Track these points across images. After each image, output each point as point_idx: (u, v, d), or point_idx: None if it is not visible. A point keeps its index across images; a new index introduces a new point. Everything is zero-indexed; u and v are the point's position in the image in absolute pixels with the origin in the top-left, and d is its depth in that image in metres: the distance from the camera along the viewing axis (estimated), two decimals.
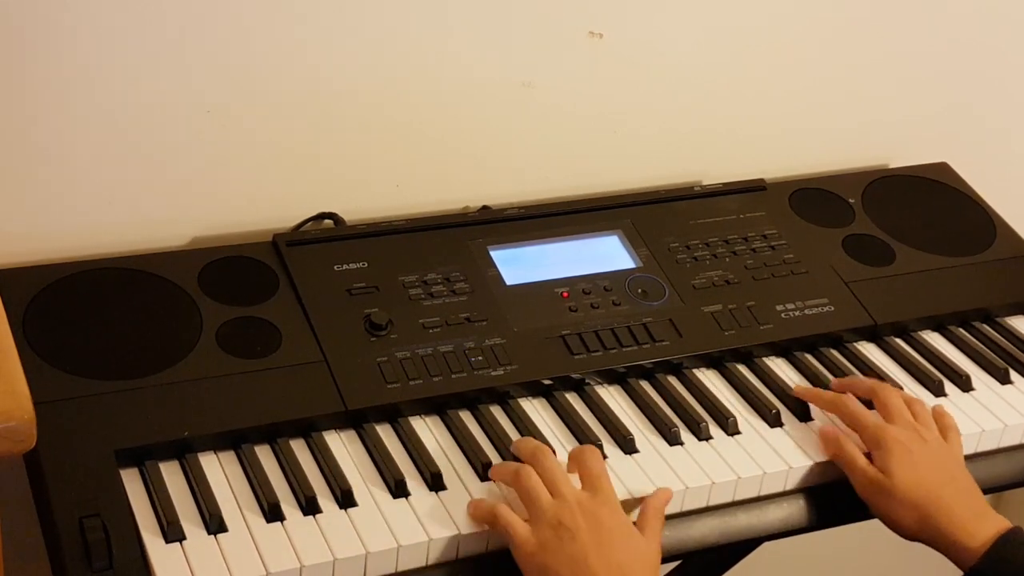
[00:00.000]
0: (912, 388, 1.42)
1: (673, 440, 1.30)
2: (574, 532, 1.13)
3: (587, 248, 1.50)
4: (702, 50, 1.63)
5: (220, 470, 1.21)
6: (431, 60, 1.49)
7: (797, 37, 1.68)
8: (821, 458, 1.30)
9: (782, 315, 1.46)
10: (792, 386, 1.39)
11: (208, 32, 1.37)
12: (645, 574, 1.14)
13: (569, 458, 1.23)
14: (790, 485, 1.29)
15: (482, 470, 1.23)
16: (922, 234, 1.62)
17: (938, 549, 1.25)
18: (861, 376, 1.41)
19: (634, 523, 1.18)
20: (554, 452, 1.25)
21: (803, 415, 1.36)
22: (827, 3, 1.68)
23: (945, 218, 1.68)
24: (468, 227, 1.48)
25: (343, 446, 1.26)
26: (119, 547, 1.09)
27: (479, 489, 1.22)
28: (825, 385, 1.40)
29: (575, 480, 1.20)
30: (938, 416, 1.34)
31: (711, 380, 1.40)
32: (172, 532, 1.12)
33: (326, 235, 1.44)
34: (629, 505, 1.22)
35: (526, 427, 1.29)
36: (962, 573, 1.23)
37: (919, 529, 1.25)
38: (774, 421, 1.34)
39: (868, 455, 1.28)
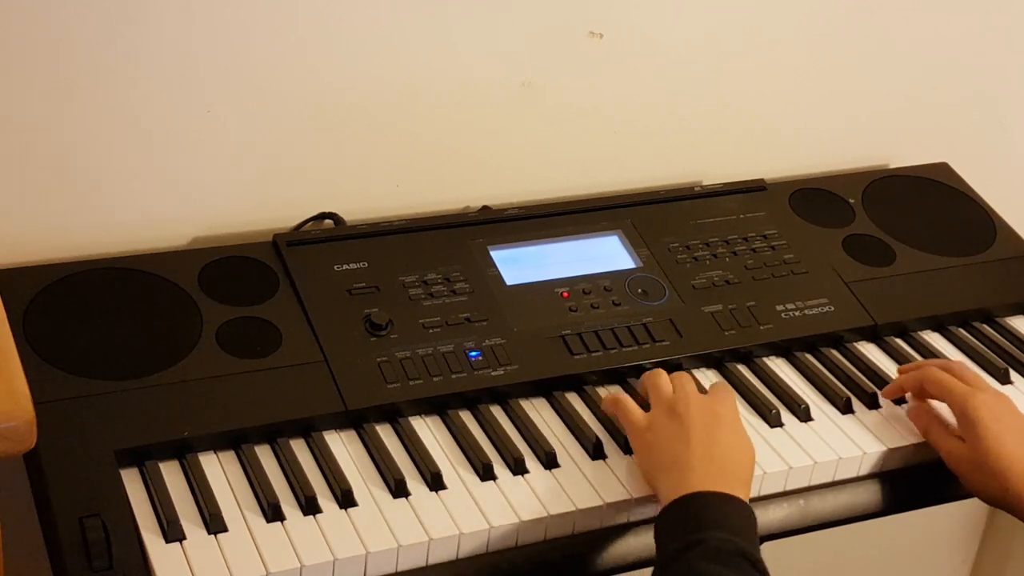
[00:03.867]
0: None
1: None
2: (684, 417, 1.21)
3: (587, 248, 1.50)
4: (702, 50, 1.63)
5: (220, 470, 1.21)
6: (431, 60, 1.49)
7: (797, 37, 1.68)
8: (822, 458, 1.30)
9: (782, 315, 1.47)
10: (792, 386, 1.39)
11: (208, 32, 1.37)
12: (742, 469, 1.20)
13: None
14: (790, 485, 1.29)
15: (482, 470, 1.23)
16: (922, 234, 1.62)
17: (1017, 516, 1.25)
18: (930, 359, 1.41)
19: None
20: (554, 453, 1.26)
21: (804, 415, 1.36)
22: (827, 3, 1.67)
23: (945, 218, 1.68)
24: (468, 227, 1.48)
25: (343, 446, 1.26)
26: (119, 547, 1.09)
27: (480, 489, 1.22)
28: (826, 386, 1.39)
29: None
30: None
31: (711, 380, 1.40)
32: (172, 532, 1.12)
33: (326, 235, 1.44)
34: (626, 507, 1.22)
35: (526, 427, 1.29)
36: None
37: (1002, 497, 1.25)
38: (774, 421, 1.34)
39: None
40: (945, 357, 1.47)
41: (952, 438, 1.29)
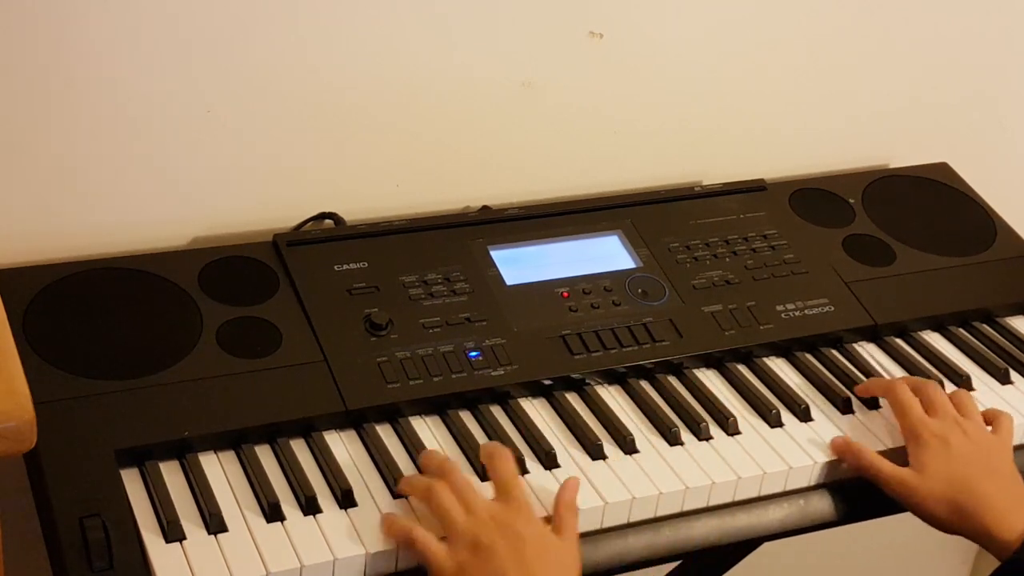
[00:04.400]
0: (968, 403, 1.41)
1: (673, 440, 1.30)
2: (491, 550, 1.11)
3: (587, 248, 1.49)
4: (702, 50, 1.63)
5: (220, 470, 1.21)
6: (431, 60, 1.49)
7: (797, 37, 1.68)
8: (821, 458, 1.30)
9: (782, 315, 1.46)
10: (792, 386, 1.39)
11: (208, 32, 1.37)
12: (568, 574, 1.13)
13: (481, 458, 1.21)
14: (790, 485, 1.29)
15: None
16: (922, 234, 1.62)
17: (976, 541, 1.25)
18: (910, 378, 1.40)
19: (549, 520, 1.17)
20: (554, 453, 1.26)
21: (804, 416, 1.36)
22: (827, 3, 1.68)
23: (945, 218, 1.68)
24: (468, 227, 1.48)
25: (343, 446, 1.26)
26: (119, 547, 1.09)
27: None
28: (825, 387, 1.39)
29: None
30: (990, 411, 1.35)
31: (711, 380, 1.40)
32: (172, 532, 1.12)
33: (326, 235, 1.44)
34: (626, 507, 1.22)
35: (526, 427, 1.29)
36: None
37: (956, 523, 1.25)
38: (774, 421, 1.34)
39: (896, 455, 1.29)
40: (945, 357, 1.47)
41: (891, 465, 1.27)
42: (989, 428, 1.33)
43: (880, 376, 1.42)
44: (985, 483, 1.25)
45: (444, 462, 1.19)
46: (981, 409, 1.36)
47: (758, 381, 1.40)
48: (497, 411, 1.32)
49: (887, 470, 1.27)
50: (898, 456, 1.30)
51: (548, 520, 1.18)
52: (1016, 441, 1.39)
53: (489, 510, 1.14)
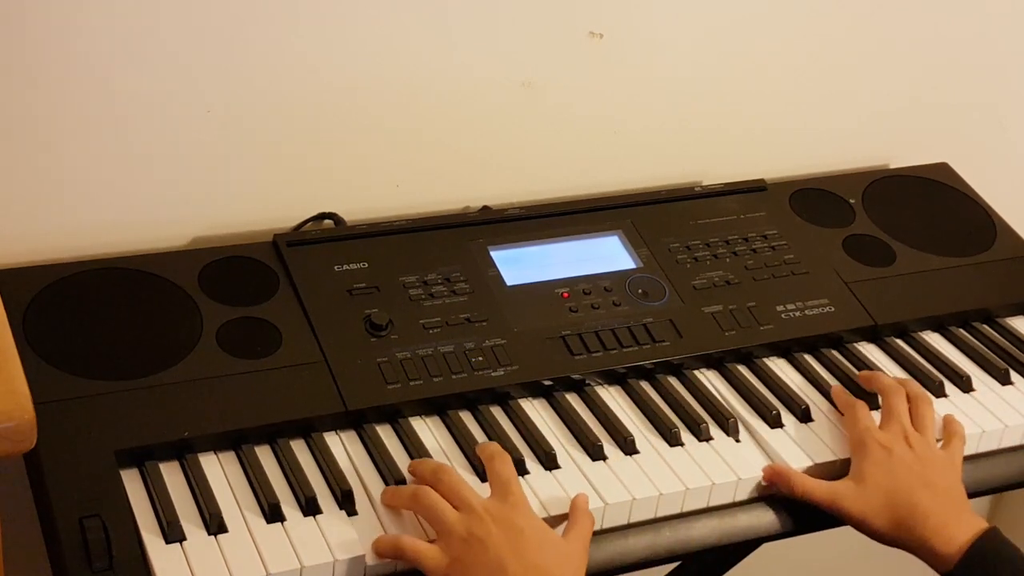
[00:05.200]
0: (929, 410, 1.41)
1: (673, 441, 1.30)
2: (486, 540, 1.09)
3: (587, 248, 1.49)
4: (702, 50, 1.63)
5: (220, 470, 1.21)
6: (431, 60, 1.49)
7: (797, 37, 1.68)
8: (821, 459, 1.30)
9: (782, 315, 1.46)
10: (792, 386, 1.39)
11: (208, 32, 1.37)
12: (567, 568, 1.11)
13: (479, 454, 1.21)
14: None
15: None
16: (922, 234, 1.62)
17: (915, 554, 1.24)
18: (886, 377, 1.40)
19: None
20: (554, 453, 1.26)
21: (804, 416, 1.36)
22: (826, 3, 1.67)
23: (945, 218, 1.68)
24: (468, 227, 1.48)
25: (343, 446, 1.26)
26: (119, 547, 1.09)
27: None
28: (825, 387, 1.39)
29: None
30: (947, 423, 1.34)
31: (711, 381, 1.40)
32: (172, 532, 1.12)
33: (326, 235, 1.44)
34: (626, 508, 1.22)
35: (526, 427, 1.29)
36: None
37: (894, 533, 1.24)
38: (774, 422, 1.34)
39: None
40: (945, 357, 1.46)
41: (819, 480, 1.26)
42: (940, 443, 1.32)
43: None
44: (922, 495, 1.23)
45: (437, 467, 1.18)
46: (986, 414, 1.36)
47: (758, 382, 1.40)
48: (497, 411, 1.32)
49: (820, 491, 1.25)
50: None
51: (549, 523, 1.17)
52: (1016, 442, 1.39)
53: (484, 505, 1.13)
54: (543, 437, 1.28)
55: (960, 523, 1.22)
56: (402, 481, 1.20)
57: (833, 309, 1.49)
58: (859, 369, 1.44)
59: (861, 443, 1.28)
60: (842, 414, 1.35)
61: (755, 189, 1.63)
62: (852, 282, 1.53)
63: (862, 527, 1.25)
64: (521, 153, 1.60)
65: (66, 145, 1.37)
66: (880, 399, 1.36)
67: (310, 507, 1.17)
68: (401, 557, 1.12)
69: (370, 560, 1.13)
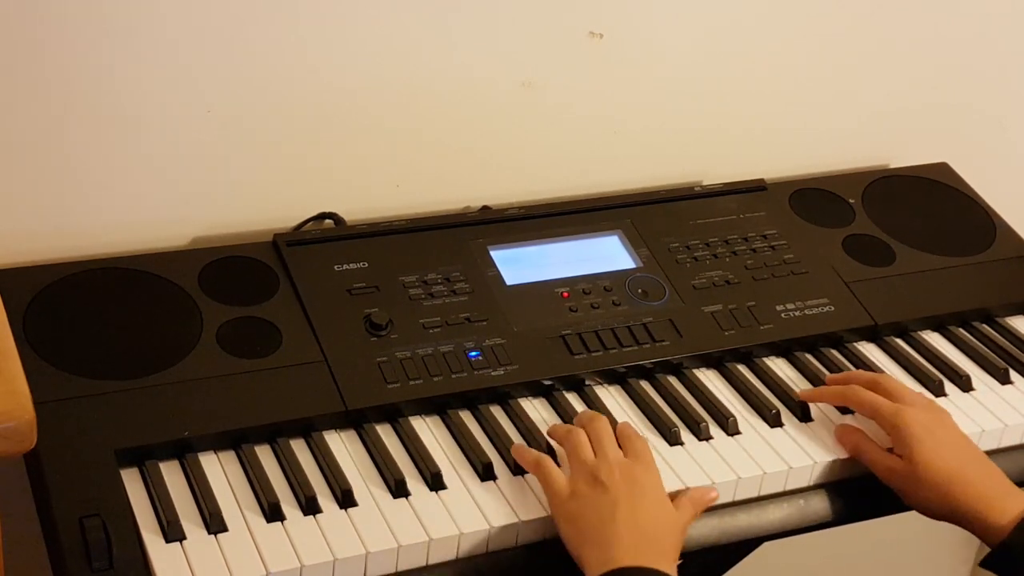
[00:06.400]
0: (912, 389, 1.42)
1: (673, 440, 1.30)
2: (607, 486, 1.16)
3: (587, 248, 1.50)
4: (702, 50, 1.63)
5: (220, 470, 1.21)
6: (431, 60, 1.49)
7: (797, 37, 1.68)
8: (821, 459, 1.30)
9: (782, 315, 1.47)
10: (792, 386, 1.39)
11: (208, 32, 1.37)
12: (667, 539, 1.16)
13: (616, 434, 1.25)
14: (790, 485, 1.29)
15: (482, 470, 1.23)
16: (922, 234, 1.62)
17: (966, 527, 1.25)
18: (857, 370, 1.41)
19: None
20: (555, 454, 1.26)
21: (803, 415, 1.36)
22: (827, 3, 1.68)
23: (945, 218, 1.68)
24: (468, 227, 1.48)
25: (343, 446, 1.26)
26: (119, 547, 1.09)
27: (480, 489, 1.22)
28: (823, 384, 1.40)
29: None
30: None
31: (711, 380, 1.40)
32: (172, 532, 1.12)
33: (326, 235, 1.44)
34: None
35: (526, 427, 1.29)
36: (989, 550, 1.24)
37: (948, 511, 1.25)
38: (774, 421, 1.34)
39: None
40: (945, 357, 1.47)
41: (887, 455, 1.28)
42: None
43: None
44: (971, 468, 1.25)
45: (594, 415, 1.27)
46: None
47: (758, 381, 1.40)
48: (497, 411, 1.32)
49: (882, 457, 1.28)
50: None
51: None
52: (1016, 441, 1.39)
53: (619, 459, 1.20)
54: (543, 436, 1.28)
55: (1008, 495, 1.24)
56: (402, 482, 1.20)
57: (833, 309, 1.49)
58: (859, 369, 1.44)
59: (896, 426, 1.27)
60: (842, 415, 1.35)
61: (755, 189, 1.63)
62: (852, 282, 1.53)
63: (918, 507, 1.27)
64: (521, 153, 1.60)
65: (66, 145, 1.37)
66: (877, 391, 1.34)
67: (310, 507, 1.17)
68: (536, 471, 1.21)
69: (372, 548, 1.14)
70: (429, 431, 1.29)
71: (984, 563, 1.24)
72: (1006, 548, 1.21)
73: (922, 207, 1.69)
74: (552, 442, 1.27)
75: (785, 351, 1.45)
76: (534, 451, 1.23)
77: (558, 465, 1.22)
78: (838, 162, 1.77)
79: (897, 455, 1.27)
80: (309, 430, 1.26)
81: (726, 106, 1.68)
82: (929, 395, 1.40)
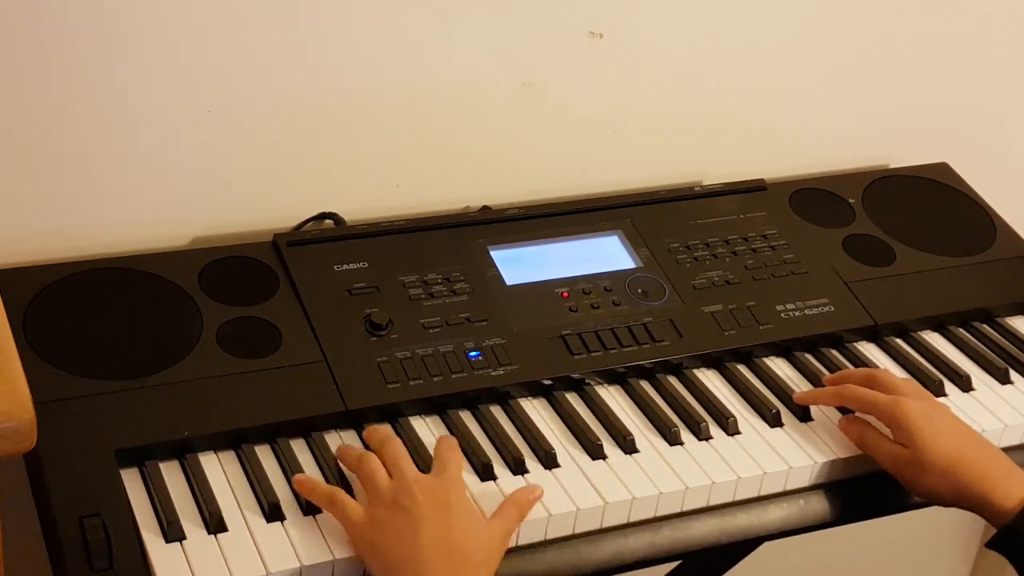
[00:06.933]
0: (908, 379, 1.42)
1: (673, 440, 1.30)
2: (409, 508, 1.11)
3: (587, 248, 1.50)
4: (702, 50, 1.63)
5: (220, 470, 1.21)
6: (431, 60, 1.49)
7: (797, 37, 1.68)
8: (821, 458, 1.30)
9: (782, 315, 1.47)
10: (792, 386, 1.39)
11: (209, 32, 1.37)
12: (480, 552, 1.11)
13: (437, 448, 1.22)
14: (790, 485, 1.29)
15: (482, 470, 1.23)
16: (922, 234, 1.62)
17: (973, 511, 1.26)
18: (853, 368, 1.41)
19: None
20: (554, 453, 1.26)
21: (803, 415, 1.36)
22: (827, 3, 1.68)
23: (945, 218, 1.68)
24: (468, 227, 1.48)
25: None
26: (119, 547, 1.09)
27: (480, 489, 1.21)
28: (822, 385, 1.40)
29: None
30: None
31: (711, 380, 1.40)
32: (172, 532, 1.12)
33: (326, 235, 1.44)
34: (626, 507, 1.22)
35: (526, 427, 1.29)
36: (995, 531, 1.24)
37: (954, 495, 1.25)
38: (774, 421, 1.34)
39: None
40: (945, 357, 1.47)
41: (891, 443, 1.28)
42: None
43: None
44: (973, 452, 1.26)
45: (386, 436, 1.21)
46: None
47: (758, 381, 1.40)
48: (497, 411, 1.32)
49: (886, 446, 1.28)
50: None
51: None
52: (1016, 441, 1.39)
53: (416, 477, 1.15)
54: (543, 436, 1.28)
55: (1012, 476, 1.24)
56: None
57: (833, 309, 1.49)
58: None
59: (895, 417, 1.27)
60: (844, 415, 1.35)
61: (755, 189, 1.63)
62: (852, 282, 1.53)
63: (924, 494, 1.27)
64: (521, 153, 1.60)
65: (66, 145, 1.37)
66: (873, 385, 1.34)
67: (310, 506, 1.17)
68: (330, 505, 1.14)
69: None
70: (429, 431, 1.29)
71: (990, 544, 1.25)
72: (1011, 530, 1.22)
73: (922, 207, 1.69)
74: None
75: (785, 351, 1.45)
76: (323, 484, 1.17)
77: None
78: (838, 162, 1.77)
79: (899, 444, 1.27)
80: (309, 430, 1.26)
81: (726, 106, 1.68)
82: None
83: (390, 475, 1.16)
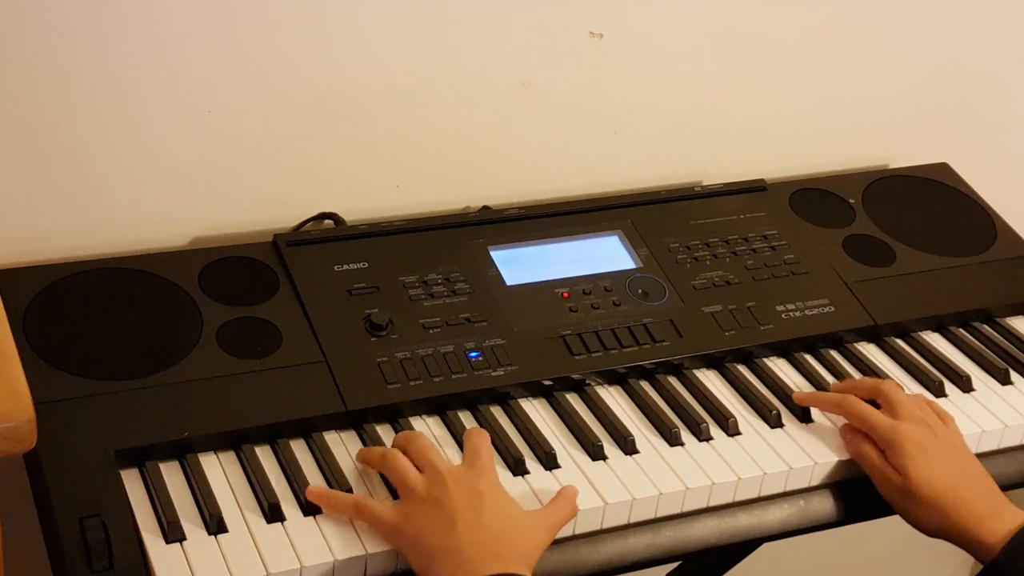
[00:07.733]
0: (912, 389, 1.42)
1: (673, 440, 1.30)
2: (443, 499, 1.11)
3: (587, 248, 1.49)
4: (702, 50, 1.63)
5: (220, 470, 1.21)
6: (431, 60, 1.49)
7: (797, 37, 1.68)
8: (822, 459, 1.30)
9: (782, 315, 1.46)
10: (792, 386, 1.39)
11: (209, 32, 1.37)
12: (516, 540, 1.11)
13: (464, 443, 1.22)
14: (790, 486, 1.29)
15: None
16: (922, 234, 1.62)
17: (958, 545, 1.25)
18: (861, 377, 1.41)
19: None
20: (554, 453, 1.26)
21: (804, 416, 1.36)
22: (827, 3, 1.68)
23: (945, 218, 1.68)
24: (468, 227, 1.48)
25: (343, 446, 1.26)
26: (119, 547, 1.09)
27: None
28: (826, 387, 1.39)
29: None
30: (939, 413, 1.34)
31: (711, 380, 1.40)
32: (172, 532, 1.12)
33: (326, 235, 1.44)
34: (626, 507, 1.22)
35: (526, 427, 1.29)
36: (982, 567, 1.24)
37: (939, 527, 1.25)
38: (774, 422, 1.34)
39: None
40: (945, 357, 1.47)
41: (886, 465, 1.27)
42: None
43: (875, 376, 1.42)
44: (963, 486, 1.25)
45: (409, 433, 1.22)
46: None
47: (758, 381, 1.40)
48: (497, 411, 1.32)
49: (880, 464, 1.27)
50: None
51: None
52: (1016, 441, 1.39)
53: (448, 468, 1.15)
54: (543, 437, 1.28)
55: (1000, 512, 1.24)
56: None
57: (833, 309, 1.49)
58: (859, 369, 1.44)
59: (890, 441, 1.26)
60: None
61: (755, 189, 1.63)
62: (852, 282, 1.53)
63: (911, 521, 1.26)
64: (521, 153, 1.60)
65: (66, 145, 1.37)
66: (878, 399, 1.34)
67: (310, 507, 1.17)
68: (358, 513, 1.14)
69: (372, 548, 1.12)
70: (429, 431, 1.29)
71: None
72: (995, 567, 1.21)
73: (922, 207, 1.69)
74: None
75: (785, 351, 1.45)
76: (344, 494, 1.16)
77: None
78: (838, 162, 1.77)
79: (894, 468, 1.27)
80: (309, 430, 1.26)
81: (726, 106, 1.68)
82: (930, 396, 1.40)
83: (419, 469, 1.16)
